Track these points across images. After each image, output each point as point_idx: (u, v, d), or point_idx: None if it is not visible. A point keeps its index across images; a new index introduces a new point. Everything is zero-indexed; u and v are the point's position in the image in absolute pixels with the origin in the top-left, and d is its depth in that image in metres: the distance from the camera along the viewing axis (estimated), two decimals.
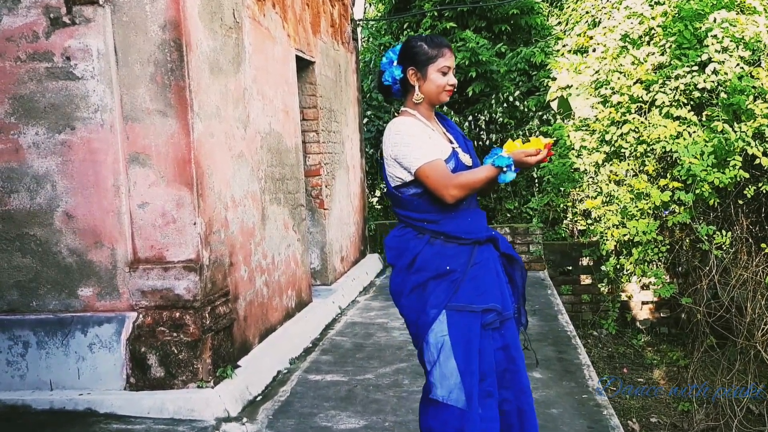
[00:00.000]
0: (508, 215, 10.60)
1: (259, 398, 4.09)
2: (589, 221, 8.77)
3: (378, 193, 12.07)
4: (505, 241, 2.71)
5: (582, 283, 8.46)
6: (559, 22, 12.18)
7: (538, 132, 10.36)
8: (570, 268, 8.43)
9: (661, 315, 8.03)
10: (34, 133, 3.88)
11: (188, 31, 3.78)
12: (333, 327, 5.79)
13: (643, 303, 8.16)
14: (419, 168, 2.48)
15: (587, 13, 11.03)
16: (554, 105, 8.36)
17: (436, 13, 10.93)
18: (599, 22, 10.24)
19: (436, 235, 2.55)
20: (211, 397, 3.74)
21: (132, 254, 3.86)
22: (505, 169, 2.44)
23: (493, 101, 10.73)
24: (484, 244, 2.60)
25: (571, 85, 7.81)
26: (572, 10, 11.70)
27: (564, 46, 10.80)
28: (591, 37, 9.10)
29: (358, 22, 9.12)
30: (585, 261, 8.39)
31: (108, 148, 3.82)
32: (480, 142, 11.26)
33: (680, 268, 7.22)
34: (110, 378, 3.85)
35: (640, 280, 7.50)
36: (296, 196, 5.67)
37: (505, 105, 10.71)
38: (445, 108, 10.40)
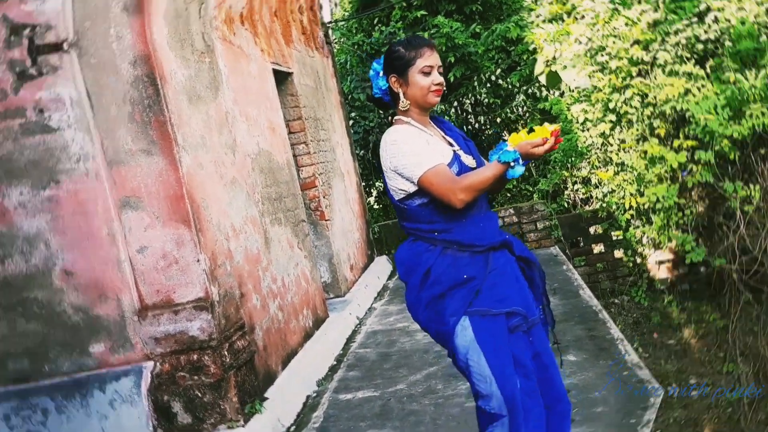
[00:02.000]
0: (508, 195, 10.46)
1: (293, 429, 3.95)
2: (589, 188, 8.61)
3: (374, 192, 11.92)
4: (520, 244, 2.58)
5: (594, 252, 8.30)
6: None
7: (526, 114, 10.20)
8: (580, 238, 8.29)
9: (680, 272, 7.89)
10: (18, 193, 3.72)
11: (160, 63, 3.63)
12: (354, 339, 5.64)
13: (660, 262, 8.01)
14: (422, 176, 2.35)
15: None
16: (543, 79, 8.17)
17: (404, 4, 10.77)
18: None
19: (448, 245, 2.43)
20: None
21: (139, 302, 3.71)
22: (512, 163, 2.30)
23: (475, 83, 10.60)
24: (499, 249, 2.48)
25: (557, 57, 7.61)
26: None
27: (538, 16, 10.64)
28: (564, 3, 8.92)
29: (328, 25, 8.96)
30: (593, 229, 8.24)
31: (96, 196, 3.66)
32: (469, 126, 11.12)
33: (696, 226, 7.00)
34: None
35: (663, 244, 7.29)
36: (296, 213, 5.52)
37: (488, 85, 10.58)
38: None
